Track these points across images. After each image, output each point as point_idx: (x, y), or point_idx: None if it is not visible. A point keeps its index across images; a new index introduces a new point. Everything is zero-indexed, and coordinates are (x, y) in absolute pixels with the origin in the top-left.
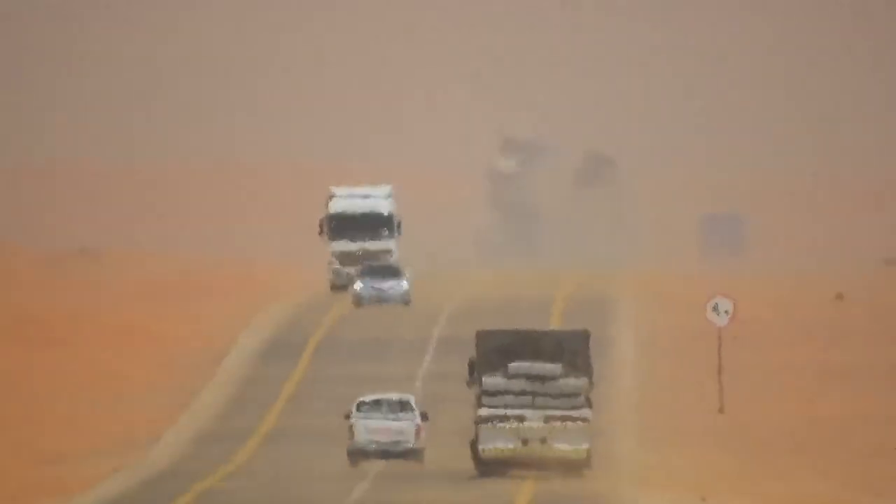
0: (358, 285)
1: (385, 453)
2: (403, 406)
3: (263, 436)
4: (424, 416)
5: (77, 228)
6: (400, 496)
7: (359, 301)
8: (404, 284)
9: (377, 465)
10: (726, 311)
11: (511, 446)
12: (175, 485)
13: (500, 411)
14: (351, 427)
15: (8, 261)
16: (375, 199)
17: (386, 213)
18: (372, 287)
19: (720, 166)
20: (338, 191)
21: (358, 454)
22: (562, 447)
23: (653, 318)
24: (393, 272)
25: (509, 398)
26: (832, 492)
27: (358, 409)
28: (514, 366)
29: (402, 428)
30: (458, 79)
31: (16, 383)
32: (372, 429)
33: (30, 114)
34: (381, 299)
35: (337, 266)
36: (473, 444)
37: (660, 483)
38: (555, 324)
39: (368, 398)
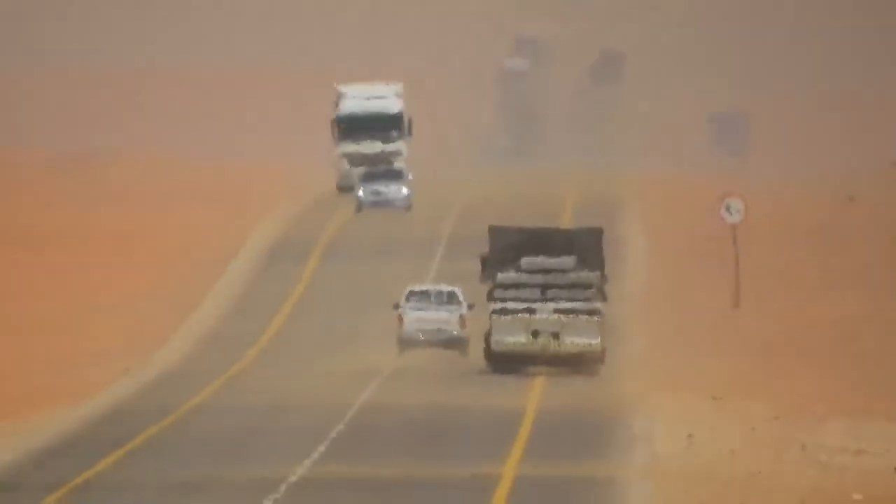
0: (359, 190)
1: (431, 341)
2: (450, 297)
3: (271, 336)
4: (471, 307)
5: (85, 132)
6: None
7: (359, 205)
8: (404, 190)
9: (390, 364)
10: (738, 211)
11: (523, 340)
12: (185, 386)
13: (512, 304)
14: (400, 316)
15: (16, 166)
16: (385, 98)
17: (395, 112)
18: (372, 191)
19: (731, 66)
20: (346, 89)
21: (406, 342)
22: (574, 340)
23: (663, 217)
24: (394, 176)
25: (522, 292)
26: (839, 392)
27: (407, 299)
28: (527, 260)
29: (448, 318)
30: None
31: (22, 289)
32: (419, 318)
33: (37, 21)
34: (381, 203)
35: (345, 167)
36: (486, 338)
37: (672, 381)
38: (566, 225)
39: (417, 288)
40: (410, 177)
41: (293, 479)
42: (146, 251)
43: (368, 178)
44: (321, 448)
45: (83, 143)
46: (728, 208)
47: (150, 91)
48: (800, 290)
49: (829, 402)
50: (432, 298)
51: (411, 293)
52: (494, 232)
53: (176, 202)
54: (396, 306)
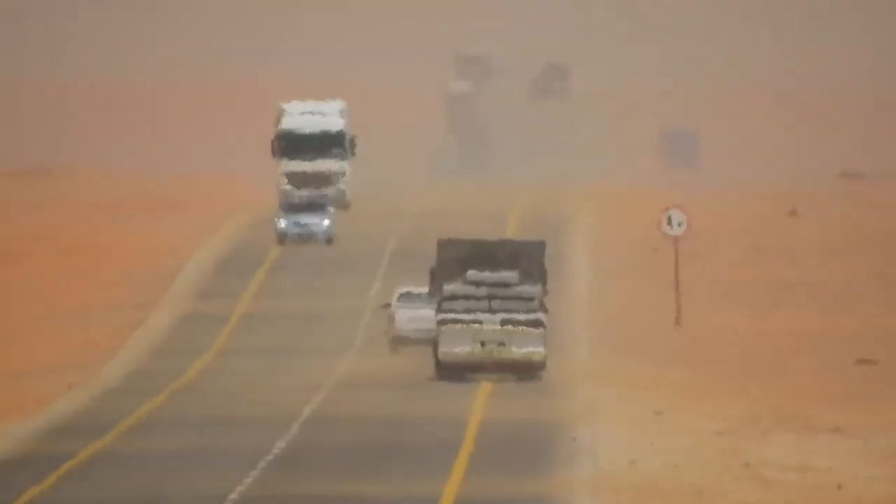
0: (280, 222)
1: (421, 340)
2: None
3: (217, 351)
4: None
5: (34, 146)
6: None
7: (280, 238)
8: (326, 222)
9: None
10: (679, 223)
11: (469, 349)
12: (128, 400)
13: (459, 315)
14: (391, 315)
15: None
16: (327, 115)
17: (337, 130)
18: (294, 223)
19: (675, 79)
20: (287, 107)
21: (398, 340)
22: (518, 350)
23: (607, 232)
24: (317, 208)
25: (468, 303)
26: (783, 406)
27: (398, 299)
28: (472, 273)
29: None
30: None
31: None
32: (410, 317)
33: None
34: (303, 236)
35: (287, 187)
36: (434, 348)
37: (615, 398)
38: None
39: (407, 290)
40: (332, 209)
41: (233, 496)
42: (97, 264)
43: (290, 209)
44: (267, 459)
45: (34, 157)
46: (669, 221)
47: (103, 104)
48: (744, 304)
49: (773, 416)
50: (422, 299)
51: (402, 294)
52: (442, 245)
53: (127, 216)
54: (387, 306)
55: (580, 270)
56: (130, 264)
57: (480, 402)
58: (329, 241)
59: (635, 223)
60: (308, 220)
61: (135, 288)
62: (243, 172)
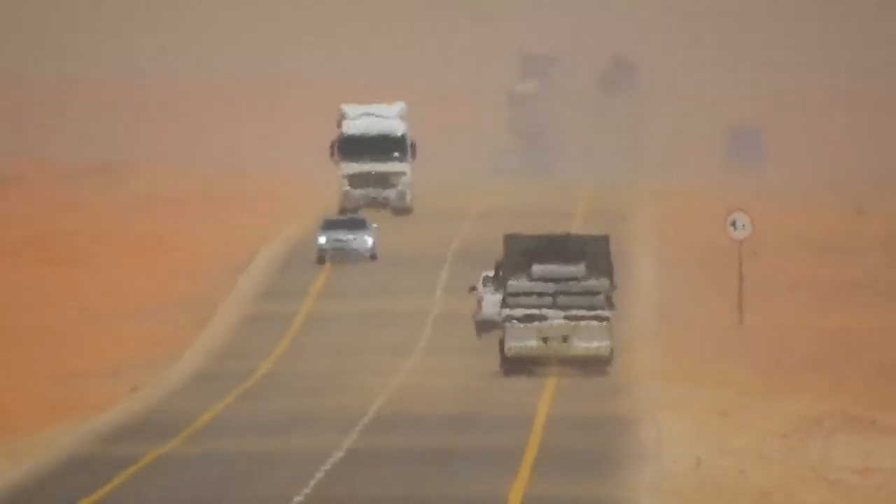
0: (321, 238)
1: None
2: None
3: (281, 353)
4: None
5: (98, 144)
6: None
7: (321, 255)
8: (369, 239)
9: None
10: (744, 226)
11: (534, 344)
12: (192, 405)
13: (524, 311)
14: (478, 300)
15: (31, 177)
16: (388, 118)
17: (399, 134)
18: (335, 240)
19: (742, 77)
20: (349, 110)
21: (484, 324)
22: (583, 345)
23: (672, 231)
24: (357, 224)
25: (533, 298)
26: (847, 406)
27: (483, 284)
28: (538, 268)
29: None
30: None
31: (36, 299)
32: (497, 301)
33: (49, 32)
34: (344, 253)
35: (347, 188)
36: (500, 343)
37: (680, 398)
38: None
39: (491, 273)
40: (376, 225)
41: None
42: (161, 262)
43: (330, 226)
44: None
45: (95, 154)
46: (734, 223)
47: (164, 102)
48: (808, 302)
49: (839, 417)
50: None
51: (487, 277)
52: (508, 240)
53: (190, 213)
54: (473, 289)
55: (644, 269)
56: (195, 261)
57: (545, 398)
58: (373, 257)
59: (701, 222)
60: (349, 236)
61: (199, 285)
62: (305, 171)
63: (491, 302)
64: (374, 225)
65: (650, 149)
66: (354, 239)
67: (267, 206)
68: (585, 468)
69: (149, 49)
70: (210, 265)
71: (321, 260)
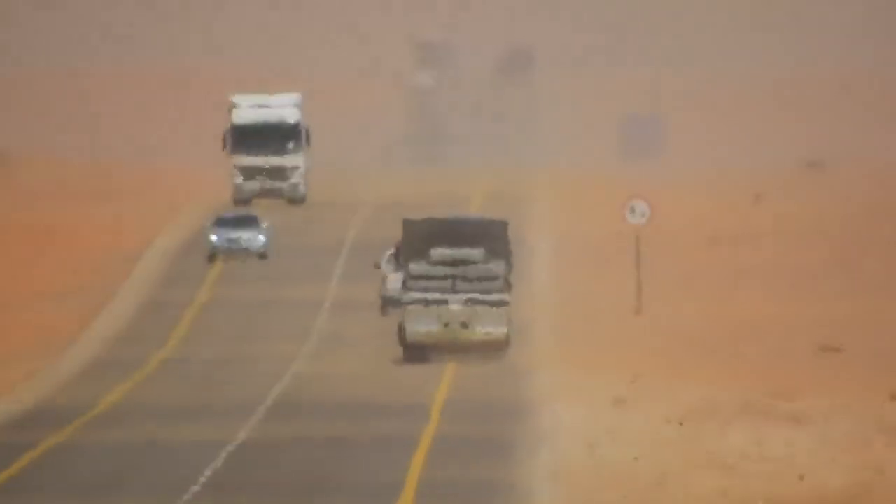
0: (212, 236)
1: None
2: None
3: (177, 341)
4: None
5: None
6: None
7: (212, 253)
8: (261, 237)
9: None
10: (642, 214)
11: (434, 329)
12: (88, 390)
13: (423, 295)
14: (383, 278)
15: None
16: (281, 108)
17: (292, 123)
18: (226, 238)
19: (639, 64)
20: (240, 100)
21: (389, 301)
22: (482, 329)
23: (567, 219)
24: (250, 222)
25: (433, 283)
26: (744, 393)
27: (388, 262)
28: (437, 251)
29: None
30: None
31: None
32: (400, 278)
33: None
34: (235, 252)
35: (240, 181)
36: (400, 328)
37: (575, 386)
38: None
39: (394, 251)
40: (268, 224)
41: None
42: (54, 251)
43: (222, 223)
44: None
45: None
46: (632, 210)
47: (59, 90)
48: (705, 290)
49: (735, 404)
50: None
51: (391, 255)
52: (407, 224)
53: (84, 203)
54: (377, 266)
55: (542, 256)
56: (89, 250)
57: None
58: (263, 256)
59: (598, 208)
60: (241, 234)
61: (94, 274)
62: (202, 160)
63: (395, 279)
64: (266, 223)
65: (548, 136)
66: (246, 237)
67: (163, 195)
68: (481, 454)
69: (43, 36)
70: (104, 254)
71: (212, 258)
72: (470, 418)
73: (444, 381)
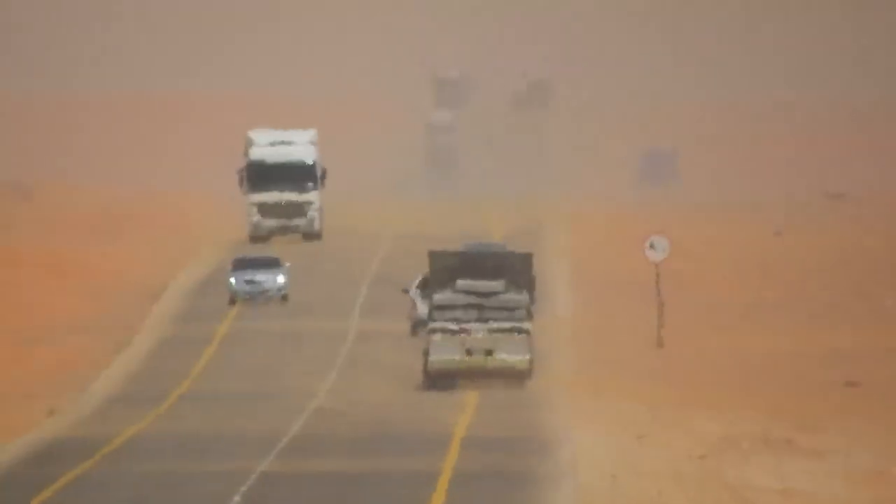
0: (231, 279)
1: None
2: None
3: (197, 375)
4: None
5: (8, 162)
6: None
7: (232, 297)
8: (280, 279)
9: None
10: (663, 249)
11: (457, 357)
12: (106, 429)
13: (448, 324)
14: (413, 302)
15: None
16: (298, 145)
17: (309, 162)
18: (245, 281)
19: (658, 96)
20: (256, 136)
21: (420, 322)
22: (505, 357)
23: (586, 253)
24: (269, 264)
25: (457, 312)
26: (765, 427)
27: (417, 287)
28: (461, 283)
29: None
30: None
31: None
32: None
33: None
34: (255, 294)
35: (257, 218)
36: (425, 356)
37: (596, 420)
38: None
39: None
40: (288, 265)
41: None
42: (73, 283)
43: (240, 265)
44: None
45: (4, 172)
46: (652, 246)
47: (77, 119)
48: (726, 323)
49: (756, 438)
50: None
51: (421, 281)
52: (433, 256)
53: (102, 234)
54: (406, 291)
55: (560, 290)
56: (107, 283)
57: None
58: (284, 298)
59: (616, 243)
60: (260, 277)
61: (112, 307)
62: (219, 189)
63: (423, 303)
64: (287, 264)
65: (564, 170)
66: (266, 280)
67: (181, 226)
68: (502, 486)
69: (61, 63)
70: (124, 287)
71: (233, 301)
72: (491, 450)
73: (465, 411)
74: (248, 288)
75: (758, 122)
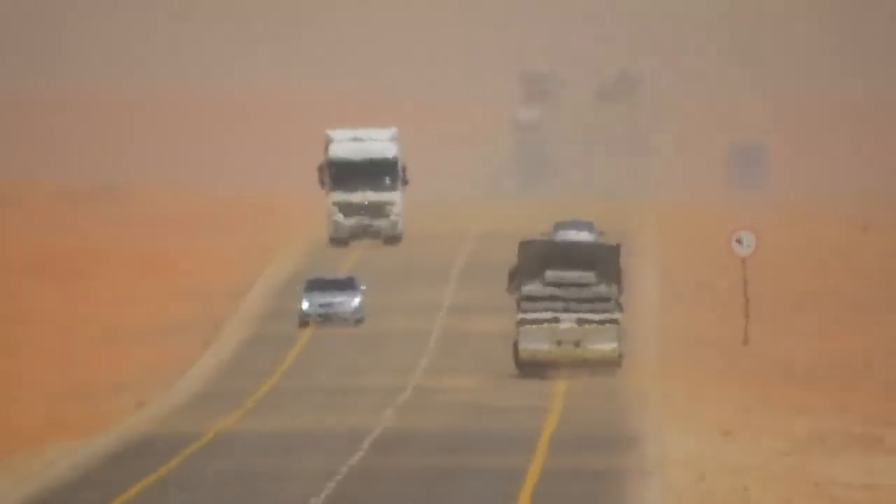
0: (304, 303)
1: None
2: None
3: (284, 370)
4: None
5: (97, 163)
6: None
7: (302, 320)
8: (356, 301)
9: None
10: (749, 245)
11: (546, 347)
12: (194, 422)
13: (537, 315)
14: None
15: (31, 197)
16: (378, 142)
17: (390, 158)
18: (319, 303)
19: (746, 91)
20: (335, 134)
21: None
22: (594, 347)
23: (675, 250)
24: (345, 285)
25: (547, 303)
26: (852, 424)
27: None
28: (551, 273)
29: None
30: (473, 7)
31: (40, 319)
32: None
33: (42, 47)
34: (328, 317)
35: (338, 218)
36: (514, 346)
37: (683, 416)
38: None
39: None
40: (363, 287)
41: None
42: (163, 282)
43: (313, 286)
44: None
45: (93, 174)
46: (739, 241)
47: (163, 119)
48: (813, 320)
49: (843, 435)
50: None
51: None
52: (522, 246)
53: (189, 233)
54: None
55: (648, 287)
56: (195, 281)
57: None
58: (359, 321)
59: (704, 239)
60: (334, 299)
61: (200, 305)
62: (304, 188)
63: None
64: (363, 287)
65: (653, 165)
66: (340, 302)
67: (267, 225)
68: (591, 485)
69: (147, 64)
70: (211, 286)
71: (304, 324)
72: (578, 448)
73: (552, 410)
74: (321, 311)
75: (845, 117)
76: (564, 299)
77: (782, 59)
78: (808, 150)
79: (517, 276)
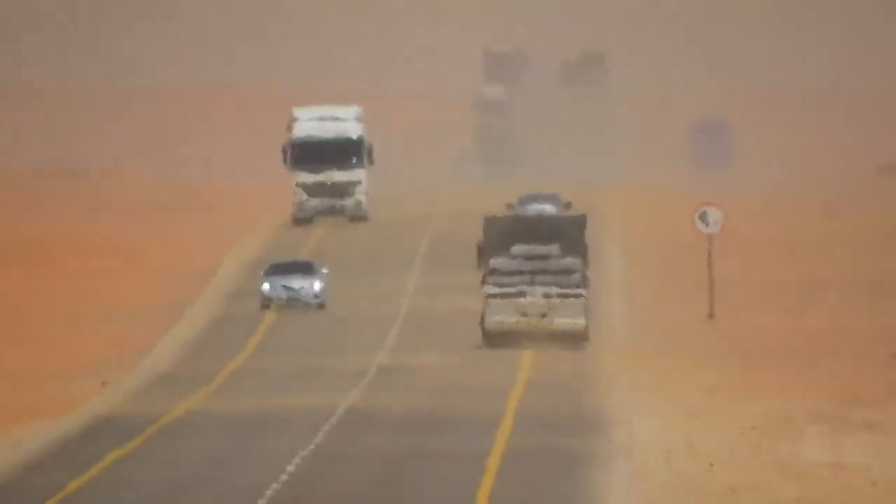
0: (265, 285)
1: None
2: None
3: (249, 352)
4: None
5: (61, 149)
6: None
7: (264, 303)
8: (317, 286)
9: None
10: (714, 221)
11: (513, 320)
12: (162, 401)
13: (503, 289)
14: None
15: None
16: (343, 121)
17: (355, 138)
18: (280, 286)
19: (713, 73)
20: (300, 113)
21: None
22: (560, 321)
23: (639, 228)
24: (304, 269)
25: (512, 277)
26: (818, 403)
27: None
28: (516, 248)
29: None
30: None
31: (5, 302)
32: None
33: (9, 33)
34: (290, 301)
35: (303, 198)
36: (481, 318)
37: (649, 396)
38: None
39: None
40: (325, 270)
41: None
42: (128, 266)
43: (275, 271)
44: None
45: (65, 160)
46: (704, 217)
47: (129, 107)
48: (778, 300)
49: (809, 414)
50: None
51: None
52: (488, 221)
53: (155, 219)
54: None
55: (613, 266)
56: (160, 266)
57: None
58: (321, 306)
59: (668, 219)
60: (296, 283)
61: (166, 289)
62: (268, 177)
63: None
64: (324, 270)
65: (617, 146)
66: (301, 286)
67: (231, 211)
68: (554, 467)
69: (114, 54)
70: (177, 270)
71: (265, 307)
72: (543, 429)
73: (514, 392)
74: (282, 294)
75: (807, 99)
76: (531, 272)
77: (746, 43)
78: (772, 134)
79: (483, 251)
